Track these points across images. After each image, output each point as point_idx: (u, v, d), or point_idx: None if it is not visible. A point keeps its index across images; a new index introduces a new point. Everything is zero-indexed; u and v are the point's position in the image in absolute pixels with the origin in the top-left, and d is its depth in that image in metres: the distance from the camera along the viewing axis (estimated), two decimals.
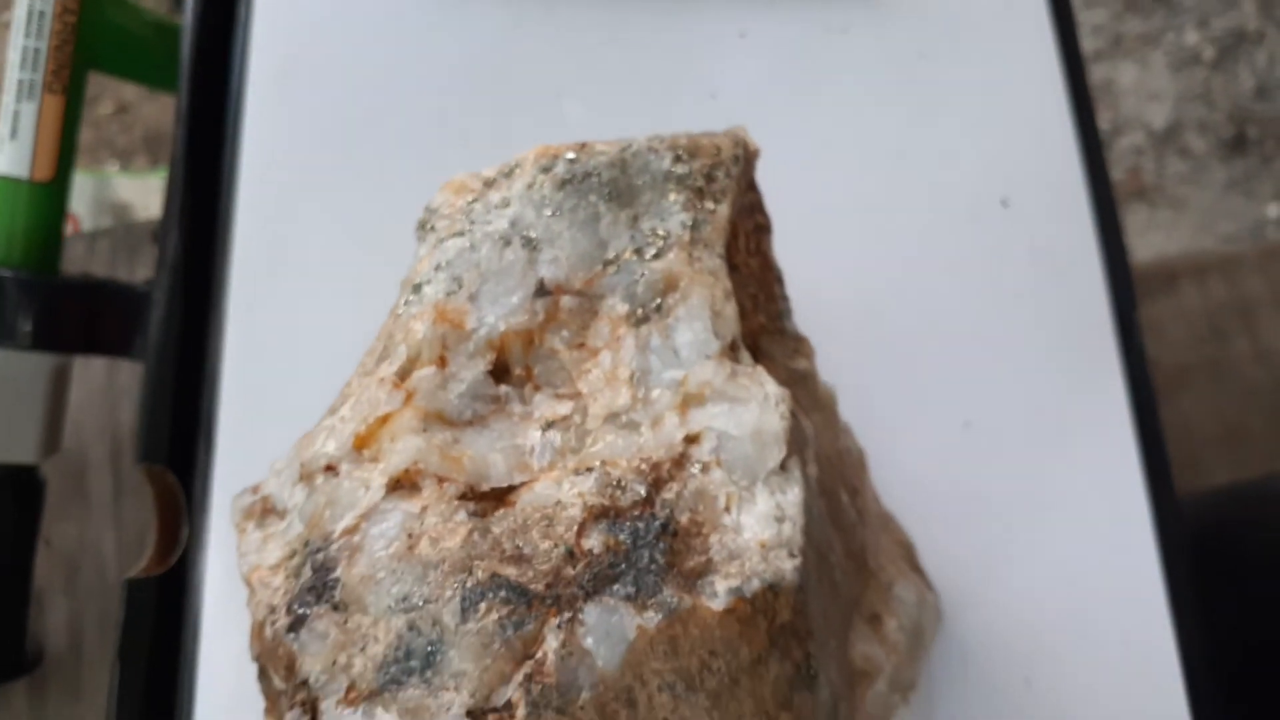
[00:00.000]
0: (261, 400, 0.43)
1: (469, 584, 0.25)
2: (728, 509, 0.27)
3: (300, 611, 0.27)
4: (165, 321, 0.43)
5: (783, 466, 0.28)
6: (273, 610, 0.27)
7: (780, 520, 0.27)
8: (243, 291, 0.45)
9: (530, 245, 0.31)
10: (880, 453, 0.39)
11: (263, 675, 0.30)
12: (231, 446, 0.42)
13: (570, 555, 0.26)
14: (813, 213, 0.43)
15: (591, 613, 0.25)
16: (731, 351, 0.30)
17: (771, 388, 0.29)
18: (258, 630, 0.28)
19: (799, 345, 0.35)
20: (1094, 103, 0.44)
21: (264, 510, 0.30)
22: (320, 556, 0.27)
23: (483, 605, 0.25)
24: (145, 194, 1.14)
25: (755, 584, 0.26)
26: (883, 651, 0.32)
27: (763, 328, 0.34)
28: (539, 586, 0.25)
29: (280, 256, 0.45)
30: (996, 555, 0.40)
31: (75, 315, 0.55)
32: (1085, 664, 0.38)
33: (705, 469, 0.28)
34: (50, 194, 0.55)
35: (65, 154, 0.55)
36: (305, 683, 0.26)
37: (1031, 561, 0.40)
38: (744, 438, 0.28)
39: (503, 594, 0.25)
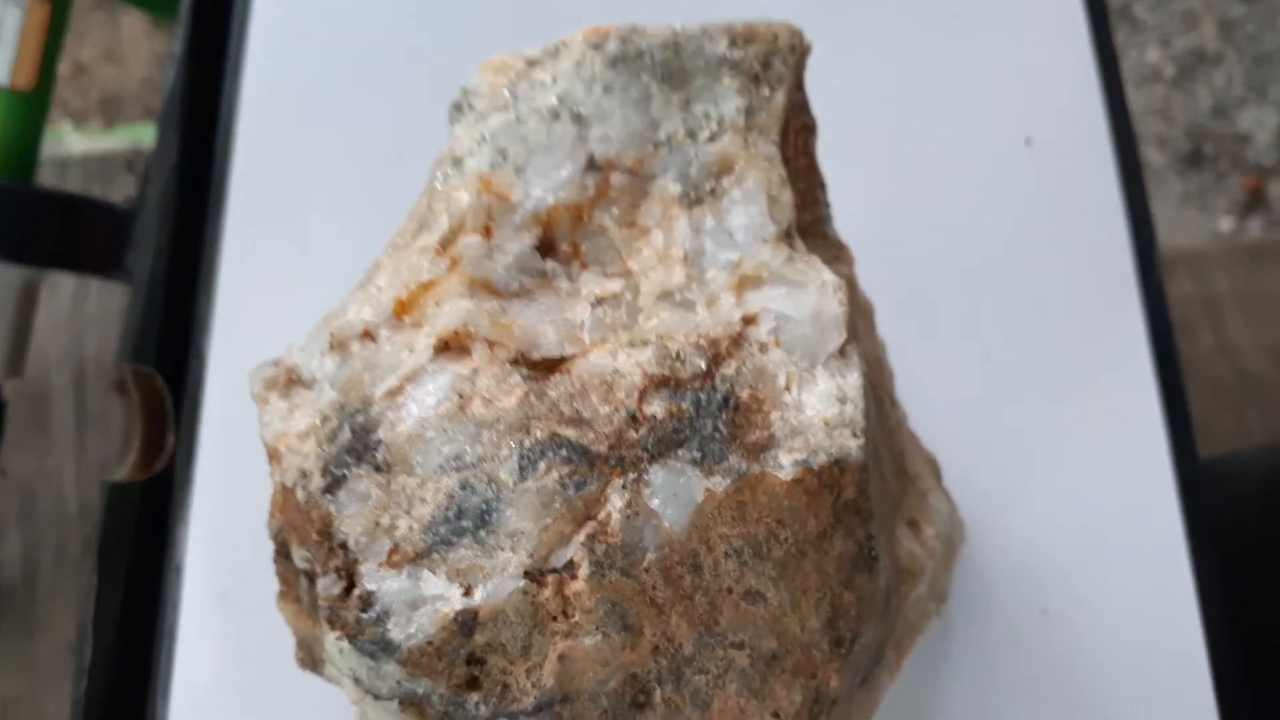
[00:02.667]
0: (258, 310, 0.41)
1: (527, 443, 0.24)
2: (788, 388, 0.26)
3: (338, 473, 0.25)
4: (157, 231, 0.41)
5: (841, 352, 0.27)
6: (304, 475, 0.26)
7: (842, 401, 0.26)
8: (241, 204, 0.43)
9: (580, 121, 0.30)
10: (899, 381, 0.38)
11: (280, 555, 0.28)
12: (225, 355, 0.40)
13: (633, 419, 0.25)
14: (837, 147, 0.42)
15: (658, 474, 0.24)
16: (787, 239, 0.29)
17: (828, 275, 0.28)
18: (282, 499, 0.26)
19: (840, 252, 0.34)
20: (1116, 47, 0.44)
21: (289, 381, 0.28)
22: (360, 419, 0.26)
23: (542, 464, 0.24)
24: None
25: (821, 457, 0.25)
26: (924, 554, 0.31)
27: (806, 229, 0.33)
28: (601, 447, 0.24)
29: (281, 173, 0.43)
30: (1014, 487, 0.39)
31: (49, 228, 0.52)
32: (1102, 596, 0.38)
33: (764, 349, 0.27)
34: (30, 103, 0.53)
35: (48, 64, 0.53)
36: (343, 546, 0.24)
37: (1049, 493, 0.39)
38: (803, 320, 0.27)
39: (563, 453, 0.24)
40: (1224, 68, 1.58)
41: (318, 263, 0.42)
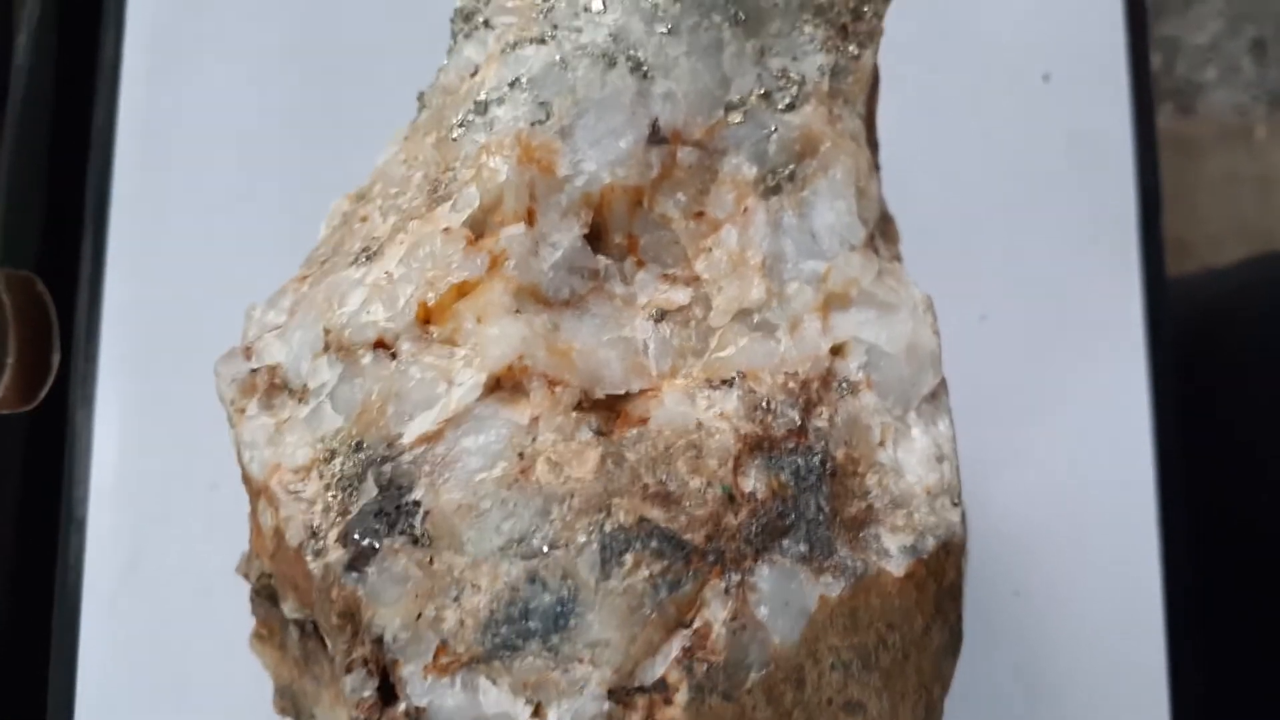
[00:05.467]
0: (169, 195, 0.34)
1: (608, 528, 0.20)
2: (882, 443, 0.23)
3: (366, 543, 0.20)
4: (31, 90, 0.33)
5: (933, 393, 0.24)
6: (314, 534, 0.21)
7: (940, 460, 0.23)
8: (141, 50, 0.34)
9: (641, 72, 0.24)
10: None
11: (262, 595, 0.24)
12: (128, 254, 0.33)
13: (730, 499, 0.21)
14: None
15: (764, 575, 0.20)
16: (871, 240, 0.25)
17: (916, 291, 0.25)
18: (274, 545, 0.21)
19: (888, 226, 0.30)
20: None
21: (270, 386, 0.23)
22: (388, 469, 0.21)
23: (629, 557, 0.20)
24: None
25: (930, 542, 0.22)
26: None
27: None
28: (697, 537, 0.20)
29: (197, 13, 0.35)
30: (994, 461, 0.38)
31: None
32: (1075, 580, 0.37)
33: (854, 389, 0.23)
34: None
35: None
36: (378, 640, 0.20)
37: (1028, 470, 0.38)
38: (897, 355, 0.24)
39: (654, 545, 0.20)
40: None
41: (243, 132, 0.34)
